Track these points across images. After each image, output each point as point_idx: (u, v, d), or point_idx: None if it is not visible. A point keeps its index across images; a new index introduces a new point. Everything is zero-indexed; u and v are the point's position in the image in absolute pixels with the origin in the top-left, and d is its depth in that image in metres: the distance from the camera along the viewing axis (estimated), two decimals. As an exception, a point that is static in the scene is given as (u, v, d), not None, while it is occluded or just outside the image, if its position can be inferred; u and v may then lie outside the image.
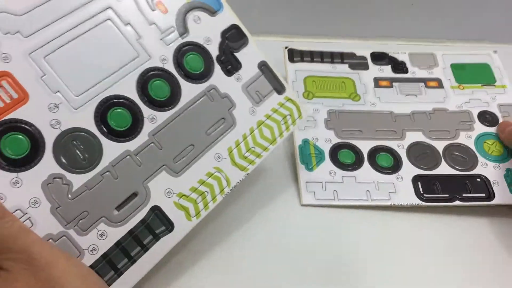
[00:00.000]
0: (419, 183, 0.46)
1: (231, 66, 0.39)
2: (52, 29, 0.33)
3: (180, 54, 0.37)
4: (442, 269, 0.43)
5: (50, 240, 0.31)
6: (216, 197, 0.37)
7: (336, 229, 0.44)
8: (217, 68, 0.38)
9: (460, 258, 0.43)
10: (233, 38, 0.40)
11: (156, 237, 0.35)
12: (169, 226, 0.35)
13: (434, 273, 0.42)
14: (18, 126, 0.31)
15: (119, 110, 0.34)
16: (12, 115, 0.30)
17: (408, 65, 0.56)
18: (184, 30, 0.37)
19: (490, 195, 0.46)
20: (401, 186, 0.46)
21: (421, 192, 0.46)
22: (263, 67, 0.41)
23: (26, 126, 0.31)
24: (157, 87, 0.35)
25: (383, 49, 0.57)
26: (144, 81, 0.35)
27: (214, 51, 0.39)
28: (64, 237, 0.32)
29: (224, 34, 0.39)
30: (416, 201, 0.45)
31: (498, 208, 0.46)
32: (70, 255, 0.31)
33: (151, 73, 0.36)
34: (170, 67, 0.36)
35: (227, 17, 0.40)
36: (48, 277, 0.28)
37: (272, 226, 0.44)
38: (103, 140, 0.33)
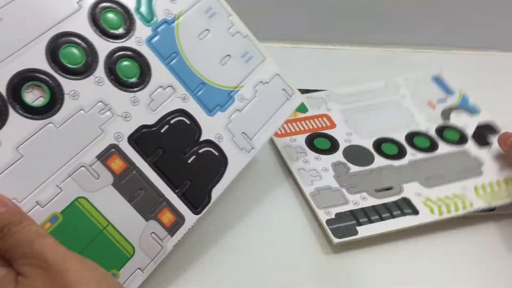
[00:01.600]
0: None
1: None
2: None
3: None
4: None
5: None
6: (454, 211, 0.46)
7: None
8: None
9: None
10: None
11: (403, 214, 0.45)
12: (415, 212, 0.46)
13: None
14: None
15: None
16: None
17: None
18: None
19: None
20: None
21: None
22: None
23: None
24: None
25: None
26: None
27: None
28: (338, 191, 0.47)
29: None
30: None
31: None
32: (84, 258, 0.30)
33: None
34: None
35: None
36: (64, 282, 0.28)
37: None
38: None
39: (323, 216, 0.44)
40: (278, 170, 0.50)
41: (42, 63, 0.32)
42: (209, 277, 0.40)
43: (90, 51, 0.34)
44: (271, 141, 0.52)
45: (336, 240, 0.42)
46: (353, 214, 0.45)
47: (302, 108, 0.54)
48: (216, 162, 0.39)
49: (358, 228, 0.44)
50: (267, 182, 0.48)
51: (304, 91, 0.56)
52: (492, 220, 0.48)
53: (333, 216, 0.44)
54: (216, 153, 0.39)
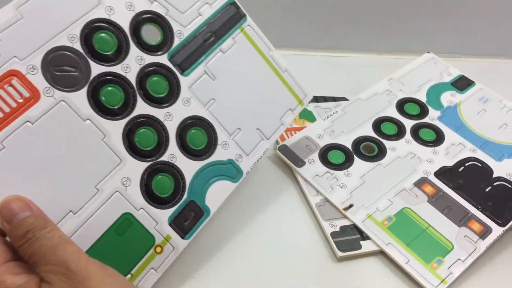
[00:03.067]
0: None
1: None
2: None
3: None
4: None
5: None
6: None
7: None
8: None
9: None
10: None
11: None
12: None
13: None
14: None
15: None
16: None
17: None
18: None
19: None
20: None
21: None
22: None
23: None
24: None
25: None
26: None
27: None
28: None
29: None
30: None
31: None
32: (105, 265, 0.31)
33: None
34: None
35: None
36: None
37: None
38: None
39: (328, 228, 0.45)
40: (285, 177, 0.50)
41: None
42: (218, 284, 0.40)
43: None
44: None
45: (339, 254, 0.43)
46: (357, 227, 0.45)
47: (309, 116, 0.56)
48: (509, 192, 0.48)
49: (362, 242, 0.44)
50: (275, 189, 0.49)
51: (321, 99, 0.58)
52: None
53: (337, 229, 0.45)
54: (509, 186, 0.48)
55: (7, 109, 0.32)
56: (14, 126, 0.32)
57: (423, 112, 0.56)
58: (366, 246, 0.44)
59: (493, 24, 0.70)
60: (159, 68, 0.39)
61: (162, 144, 0.38)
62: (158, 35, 0.39)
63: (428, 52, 0.63)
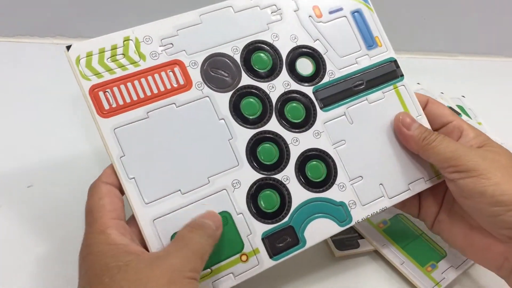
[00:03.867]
0: None
1: None
2: None
3: None
4: None
5: None
6: None
7: None
8: None
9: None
10: None
11: None
12: None
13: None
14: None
15: None
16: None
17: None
18: None
19: None
20: None
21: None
22: None
23: None
24: None
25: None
26: None
27: None
28: None
29: None
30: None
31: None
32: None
33: None
34: None
35: None
36: None
37: None
38: None
39: None
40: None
41: None
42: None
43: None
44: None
45: (337, 253, 0.46)
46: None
47: None
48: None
49: (360, 241, 0.47)
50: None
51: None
52: None
53: None
54: None
55: (162, 88, 0.37)
56: (163, 103, 0.37)
57: None
58: (364, 245, 0.47)
59: (488, 22, 0.73)
60: (301, 97, 0.41)
61: (280, 163, 0.39)
62: (310, 68, 0.42)
63: (418, 83, 0.65)
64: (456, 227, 0.41)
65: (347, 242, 0.47)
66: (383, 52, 0.44)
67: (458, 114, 0.60)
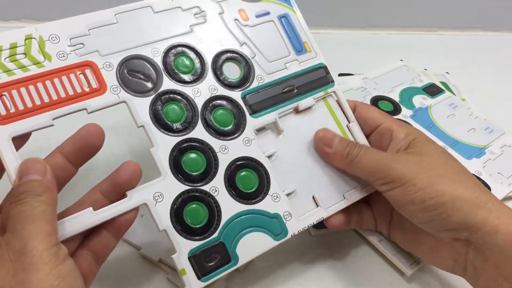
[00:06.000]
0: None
1: None
2: None
3: None
4: None
5: None
6: None
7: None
8: None
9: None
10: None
11: None
12: None
13: None
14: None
15: None
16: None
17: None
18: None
19: None
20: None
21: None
22: None
23: None
24: None
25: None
26: None
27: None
28: None
29: None
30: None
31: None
32: (67, 263, 0.27)
33: None
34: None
35: None
36: (22, 283, 0.25)
37: None
38: None
39: None
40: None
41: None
42: None
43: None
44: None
45: (314, 232, 0.45)
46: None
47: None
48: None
49: None
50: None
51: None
52: None
53: None
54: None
55: (71, 92, 0.33)
56: (72, 108, 0.33)
57: (396, 109, 0.57)
58: None
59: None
60: (229, 102, 0.38)
61: (208, 174, 0.35)
62: (238, 73, 0.39)
63: (401, 60, 0.65)
64: (407, 234, 0.39)
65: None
66: (313, 58, 0.42)
67: (442, 90, 0.60)
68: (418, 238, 0.38)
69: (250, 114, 0.38)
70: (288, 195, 0.38)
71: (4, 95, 0.31)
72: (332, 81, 0.42)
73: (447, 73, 0.67)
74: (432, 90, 0.61)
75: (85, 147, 0.32)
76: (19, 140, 0.31)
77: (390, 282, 0.42)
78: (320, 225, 0.40)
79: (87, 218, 0.31)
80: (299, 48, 0.42)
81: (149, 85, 0.36)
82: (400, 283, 0.42)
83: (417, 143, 0.38)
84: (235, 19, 0.40)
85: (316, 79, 0.42)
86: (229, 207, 0.35)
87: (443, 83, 0.64)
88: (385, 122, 0.40)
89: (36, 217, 0.27)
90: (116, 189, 0.32)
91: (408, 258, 0.43)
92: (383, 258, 0.43)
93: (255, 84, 0.39)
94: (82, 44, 0.34)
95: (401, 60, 0.66)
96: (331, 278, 0.42)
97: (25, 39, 0.33)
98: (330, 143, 0.39)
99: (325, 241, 0.44)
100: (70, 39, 0.34)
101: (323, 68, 0.42)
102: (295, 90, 0.41)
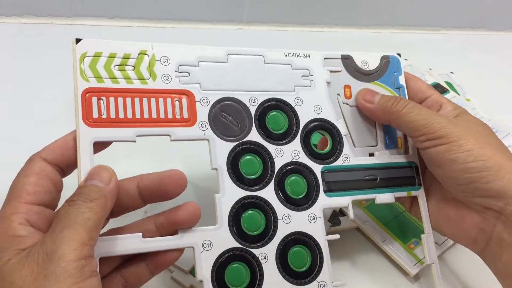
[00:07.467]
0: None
1: None
2: None
3: None
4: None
5: None
6: None
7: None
8: None
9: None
10: None
11: None
12: None
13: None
14: None
15: None
16: None
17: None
18: None
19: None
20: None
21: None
22: None
23: None
24: None
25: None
26: None
27: None
28: None
29: None
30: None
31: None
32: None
33: None
34: None
35: None
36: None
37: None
38: None
39: None
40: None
41: None
42: None
43: None
44: None
45: None
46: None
47: None
48: None
49: (341, 218, 0.45)
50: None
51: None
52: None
53: None
54: None
55: (162, 115, 0.33)
56: (157, 131, 0.33)
57: None
58: (346, 222, 0.45)
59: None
60: (307, 173, 0.36)
61: (262, 238, 0.34)
62: (327, 144, 0.38)
63: (406, 59, 0.62)
64: (431, 203, 0.39)
65: (328, 219, 0.45)
66: (405, 154, 0.40)
67: (446, 90, 0.58)
68: (444, 208, 0.38)
69: (325, 191, 0.37)
70: (336, 286, 0.35)
71: (102, 99, 0.32)
72: (420, 184, 0.40)
73: (452, 73, 0.66)
74: (436, 90, 0.58)
75: (162, 190, 0.32)
76: (99, 146, 0.31)
77: (393, 282, 0.42)
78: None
79: (134, 243, 0.31)
80: (390, 143, 0.40)
81: (237, 131, 0.35)
82: (404, 283, 0.42)
83: (465, 115, 0.38)
84: (338, 94, 0.39)
85: (403, 177, 0.40)
86: (273, 280, 0.33)
87: (448, 83, 0.62)
88: (434, 95, 0.40)
89: (78, 223, 0.26)
90: (170, 225, 0.31)
91: (412, 258, 0.42)
92: (387, 257, 0.43)
93: (339, 162, 0.38)
94: (188, 73, 0.35)
95: (405, 59, 0.64)
96: (334, 277, 0.38)
97: (139, 53, 0.34)
98: (372, 100, 0.39)
99: (328, 240, 0.41)
100: (179, 66, 0.34)
101: (414, 167, 0.40)
102: (378, 181, 0.39)
